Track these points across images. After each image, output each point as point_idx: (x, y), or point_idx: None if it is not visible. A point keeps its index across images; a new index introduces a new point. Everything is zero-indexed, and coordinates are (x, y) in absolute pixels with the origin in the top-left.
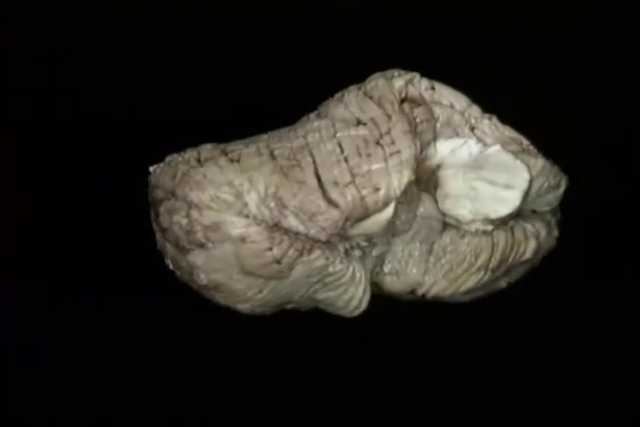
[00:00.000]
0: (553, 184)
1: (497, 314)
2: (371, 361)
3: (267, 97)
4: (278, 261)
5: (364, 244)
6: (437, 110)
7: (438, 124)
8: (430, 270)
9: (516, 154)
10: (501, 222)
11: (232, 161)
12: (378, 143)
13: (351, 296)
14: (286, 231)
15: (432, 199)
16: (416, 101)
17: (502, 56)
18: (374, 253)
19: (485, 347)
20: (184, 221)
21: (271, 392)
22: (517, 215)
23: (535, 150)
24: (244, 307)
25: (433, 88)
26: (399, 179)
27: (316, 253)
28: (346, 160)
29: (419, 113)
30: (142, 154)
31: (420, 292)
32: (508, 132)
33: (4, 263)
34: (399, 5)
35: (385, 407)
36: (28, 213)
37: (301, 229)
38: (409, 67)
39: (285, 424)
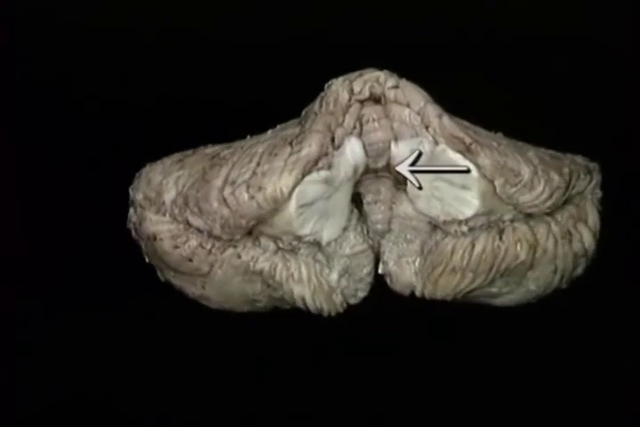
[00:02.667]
0: (514, 183)
1: (493, 315)
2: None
3: (277, 99)
4: (190, 259)
5: (294, 242)
6: (396, 109)
7: (395, 124)
8: (419, 272)
9: (463, 153)
10: (486, 223)
11: (178, 161)
12: (291, 142)
13: (302, 296)
14: (198, 230)
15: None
16: (379, 101)
17: (500, 55)
18: (341, 252)
19: (482, 347)
20: (127, 219)
21: (267, 392)
22: (515, 217)
23: (478, 149)
24: (209, 304)
25: (397, 86)
26: (286, 178)
27: (229, 251)
28: (259, 159)
29: (367, 112)
30: (143, 155)
31: (417, 293)
32: (453, 130)
33: (4, 263)
34: (401, 5)
35: (383, 408)
36: (28, 213)
37: (207, 227)
38: (410, 66)
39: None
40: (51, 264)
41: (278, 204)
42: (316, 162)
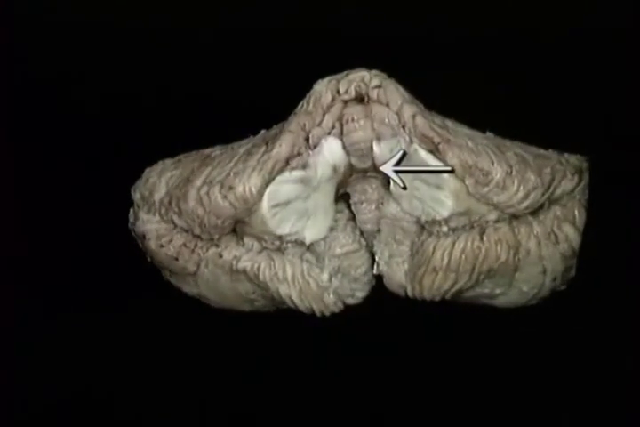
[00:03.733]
0: (485, 183)
1: (493, 315)
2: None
3: (278, 99)
4: (176, 258)
5: (277, 242)
6: (377, 109)
7: (376, 124)
8: (408, 272)
9: (433, 152)
10: (468, 224)
11: (176, 161)
12: (267, 142)
13: (288, 295)
14: (183, 229)
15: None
16: (363, 101)
17: (500, 55)
18: (332, 252)
19: (482, 347)
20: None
21: (267, 392)
22: (499, 218)
23: (446, 149)
24: (209, 303)
25: (380, 86)
26: (255, 178)
27: (212, 250)
28: (237, 159)
29: (347, 112)
30: (143, 155)
31: (409, 294)
32: (424, 129)
33: (4, 263)
34: (401, 5)
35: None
36: (28, 213)
37: (188, 226)
38: (409, 66)
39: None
40: (51, 264)
41: (249, 204)
42: (287, 162)
